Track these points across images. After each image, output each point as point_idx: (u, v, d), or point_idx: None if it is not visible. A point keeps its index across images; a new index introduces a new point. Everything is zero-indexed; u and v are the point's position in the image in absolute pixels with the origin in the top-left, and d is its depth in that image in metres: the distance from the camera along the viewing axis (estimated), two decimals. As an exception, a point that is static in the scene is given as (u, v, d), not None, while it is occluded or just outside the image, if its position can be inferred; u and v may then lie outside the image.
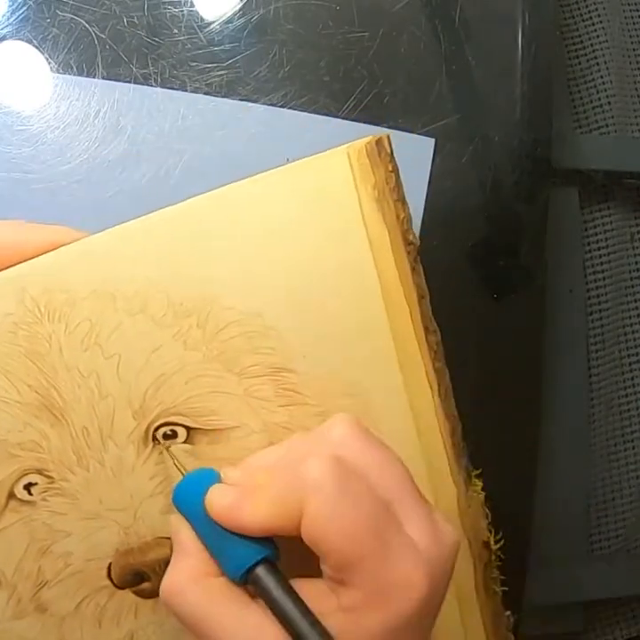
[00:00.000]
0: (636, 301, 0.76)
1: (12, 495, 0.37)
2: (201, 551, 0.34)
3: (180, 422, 0.38)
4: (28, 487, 0.37)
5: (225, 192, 0.37)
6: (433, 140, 0.53)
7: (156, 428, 0.38)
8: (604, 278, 0.74)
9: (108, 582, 0.38)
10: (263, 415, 0.38)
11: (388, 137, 0.39)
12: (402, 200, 0.39)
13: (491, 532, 0.41)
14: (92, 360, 0.37)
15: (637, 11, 0.76)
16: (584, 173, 0.71)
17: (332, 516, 0.31)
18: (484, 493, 0.41)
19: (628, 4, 0.76)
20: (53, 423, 0.37)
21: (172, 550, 0.37)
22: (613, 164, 0.73)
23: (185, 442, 0.38)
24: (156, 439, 0.38)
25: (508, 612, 0.42)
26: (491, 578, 0.41)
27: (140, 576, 0.38)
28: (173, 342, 0.37)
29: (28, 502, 0.38)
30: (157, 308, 0.37)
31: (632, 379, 0.76)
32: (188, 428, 0.38)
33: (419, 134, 0.53)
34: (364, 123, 0.52)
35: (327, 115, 0.52)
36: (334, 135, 0.51)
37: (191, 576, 0.33)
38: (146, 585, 0.38)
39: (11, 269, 0.36)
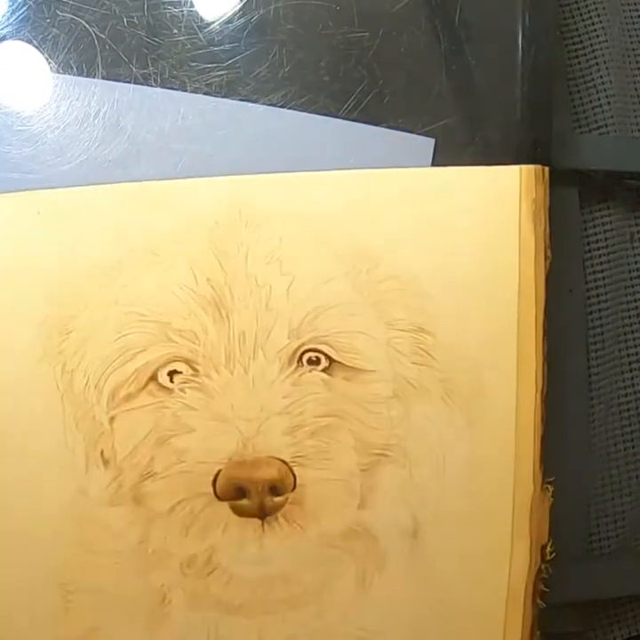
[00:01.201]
0: (635, 301, 0.76)
1: (153, 378, 0.39)
2: None
3: (326, 352, 0.41)
4: (171, 374, 0.39)
5: (416, 173, 0.44)
6: (433, 140, 0.53)
7: (304, 352, 0.40)
8: (603, 278, 0.73)
9: (209, 490, 0.39)
10: (396, 367, 0.41)
11: (548, 171, 0.46)
12: (548, 221, 0.45)
13: (549, 540, 0.43)
14: (270, 273, 0.40)
15: (637, 11, 0.76)
16: (584, 173, 0.71)
17: None
18: (552, 499, 0.44)
19: (628, 4, 0.76)
20: (216, 320, 0.39)
21: (278, 473, 0.39)
22: (613, 164, 0.73)
23: (324, 371, 0.40)
24: (301, 362, 0.40)
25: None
26: (538, 584, 0.44)
27: (241, 491, 0.39)
28: (344, 279, 0.41)
29: (166, 389, 0.39)
30: (341, 246, 0.41)
31: (632, 379, 0.76)
32: (331, 360, 0.41)
33: (419, 134, 0.53)
34: (364, 123, 0.52)
35: (327, 115, 0.51)
36: (334, 135, 0.51)
37: None
38: (244, 501, 0.39)
39: (229, 177, 0.42)
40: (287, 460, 0.39)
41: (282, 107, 0.51)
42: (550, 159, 0.58)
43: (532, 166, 0.45)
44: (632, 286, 0.75)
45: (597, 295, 0.73)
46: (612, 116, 0.73)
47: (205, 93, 0.50)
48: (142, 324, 0.39)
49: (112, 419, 0.39)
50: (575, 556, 0.73)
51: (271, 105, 0.51)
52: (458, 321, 0.42)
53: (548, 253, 0.45)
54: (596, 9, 0.73)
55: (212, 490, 0.39)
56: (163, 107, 0.50)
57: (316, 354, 0.40)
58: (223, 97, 0.50)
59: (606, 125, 0.72)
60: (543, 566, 0.43)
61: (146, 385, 0.39)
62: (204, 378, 0.39)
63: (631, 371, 0.76)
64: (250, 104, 0.51)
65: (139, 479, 0.39)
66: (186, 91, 0.50)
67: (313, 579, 0.40)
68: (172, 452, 0.39)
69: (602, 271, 0.73)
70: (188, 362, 0.39)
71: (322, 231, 0.41)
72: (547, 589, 0.43)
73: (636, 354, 0.76)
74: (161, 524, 0.39)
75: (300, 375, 0.40)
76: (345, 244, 0.41)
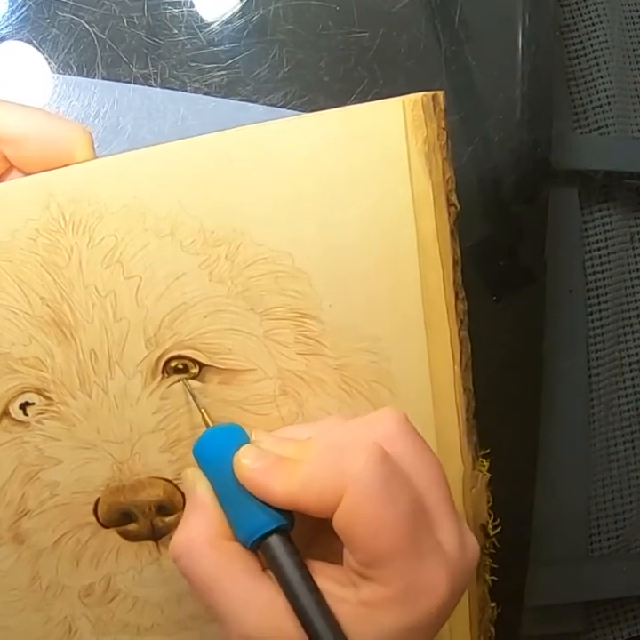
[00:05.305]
0: (636, 301, 0.76)
1: (6, 413, 0.36)
2: (216, 510, 0.32)
3: (193, 357, 0.36)
4: (24, 406, 0.36)
5: (269, 126, 0.36)
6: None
7: (168, 361, 0.36)
8: (603, 278, 0.74)
9: (92, 519, 0.37)
10: (280, 361, 0.36)
11: (444, 94, 0.37)
12: (449, 160, 0.37)
13: (490, 516, 0.40)
14: (112, 279, 0.35)
15: (637, 11, 0.76)
16: (584, 173, 0.71)
17: (372, 511, 0.30)
18: (489, 475, 0.40)
19: (628, 4, 0.76)
20: (61, 341, 0.35)
21: (164, 493, 0.36)
22: (613, 164, 0.73)
23: (195, 378, 0.36)
24: (166, 372, 0.36)
25: (494, 604, 0.41)
26: (483, 564, 0.41)
27: (127, 516, 0.37)
28: (199, 271, 0.35)
29: (21, 423, 0.36)
30: (187, 234, 0.35)
31: (632, 379, 0.76)
32: (201, 365, 0.36)
33: (419, 134, 0.53)
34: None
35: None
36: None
37: (204, 535, 0.32)
38: (132, 526, 0.37)
39: (40, 174, 0.34)
40: (171, 478, 0.36)
41: (282, 107, 0.51)
42: (550, 159, 0.58)
43: (418, 96, 0.36)
44: (632, 286, 0.75)
45: (597, 295, 0.73)
46: (612, 117, 0.73)
47: (205, 93, 0.50)
48: (-21, 359, 0.35)
49: (-27, 463, 0.36)
50: (575, 556, 0.74)
51: (271, 105, 0.51)
52: (347, 298, 0.36)
53: (453, 200, 0.37)
54: (596, 9, 0.73)
55: (94, 519, 0.36)
56: (163, 107, 0.50)
57: (183, 361, 0.36)
58: (223, 97, 0.50)
59: (606, 126, 0.73)
60: (488, 543, 0.41)
61: None
62: (59, 406, 0.35)
63: (631, 371, 0.76)
64: (250, 104, 0.51)
65: (14, 518, 0.36)
66: (186, 91, 0.50)
67: None
68: (42, 486, 0.36)
69: (602, 271, 0.73)
70: (38, 391, 0.35)
71: (162, 219, 0.35)
72: (493, 578, 0.41)
73: (636, 354, 0.76)
74: (49, 558, 0.37)
75: (168, 387, 0.36)
76: (191, 229, 0.35)
